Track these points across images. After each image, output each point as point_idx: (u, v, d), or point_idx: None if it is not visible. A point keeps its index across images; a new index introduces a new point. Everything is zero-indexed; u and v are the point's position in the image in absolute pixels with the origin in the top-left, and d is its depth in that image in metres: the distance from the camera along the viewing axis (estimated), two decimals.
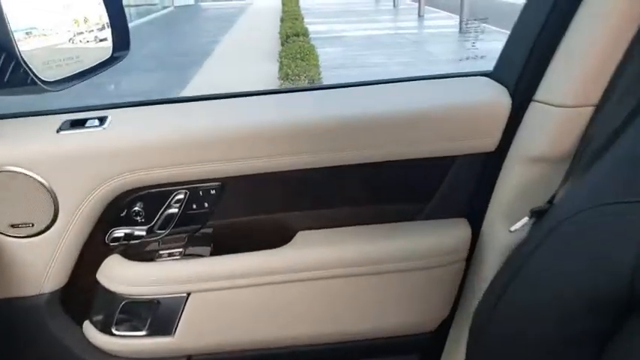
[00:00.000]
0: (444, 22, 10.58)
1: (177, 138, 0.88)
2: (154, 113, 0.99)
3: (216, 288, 0.94)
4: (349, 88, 1.05)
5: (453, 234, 0.96)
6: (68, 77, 1.08)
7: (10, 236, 0.89)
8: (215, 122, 0.92)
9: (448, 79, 1.05)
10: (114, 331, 0.97)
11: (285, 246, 0.97)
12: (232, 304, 0.96)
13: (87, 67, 1.01)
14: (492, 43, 7.00)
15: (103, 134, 0.88)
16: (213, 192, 0.94)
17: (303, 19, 9.92)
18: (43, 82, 1.00)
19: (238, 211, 0.99)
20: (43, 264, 0.92)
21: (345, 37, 9.44)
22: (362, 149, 0.91)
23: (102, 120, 0.91)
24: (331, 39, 9.01)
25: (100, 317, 0.99)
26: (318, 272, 0.94)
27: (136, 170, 0.88)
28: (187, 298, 0.94)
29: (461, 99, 0.93)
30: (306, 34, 8.07)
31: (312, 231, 0.99)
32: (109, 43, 0.89)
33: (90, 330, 0.99)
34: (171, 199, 0.94)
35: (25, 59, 0.89)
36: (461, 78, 1.01)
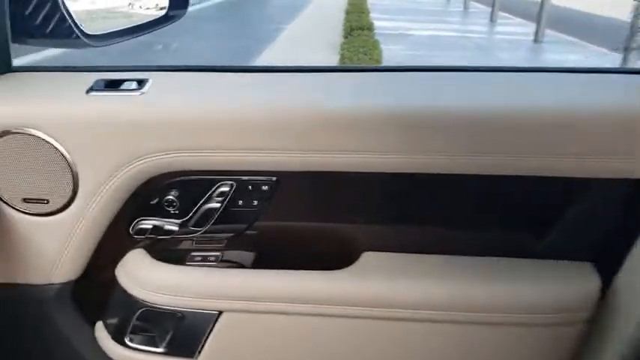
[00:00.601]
0: (518, 28, 10.05)
1: (230, 115, 0.70)
2: (203, 82, 0.80)
3: (254, 310, 0.75)
4: (472, 73, 0.83)
5: (575, 283, 0.73)
6: (114, 32, 0.93)
7: (22, 212, 0.74)
8: (279, 101, 0.72)
9: (607, 74, 0.82)
10: (127, 341, 0.80)
11: (346, 269, 0.76)
12: (272, 331, 0.77)
13: (136, 24, 0.86)
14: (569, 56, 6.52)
15: (141, 100, 0.71)
16: (265, 188, 0.75)
17: (369, 13, 9.66)
18: (86, 35, 0.85)
19: (292, 215, 0.80)
20: (56, 250, 0.76)
21: (411, 35, 9.12)
22: (478, 155, 0.68)
23: (141, 83, 0.73)
24: (396, 36, 8.71)
25: (113, 321, 0.82)
26: (386, 311, 0.74)
27: (175, 149, 0.70)
28: (218, 317, 0.76)
29: (622, 102, 0.69)
30: (371, 28, 7.82)
31: (383, 254, 0.78)
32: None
33: (102, 334, 0.83)
34: (214, 191, 0.76)
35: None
36: (624, 75, 0.78)
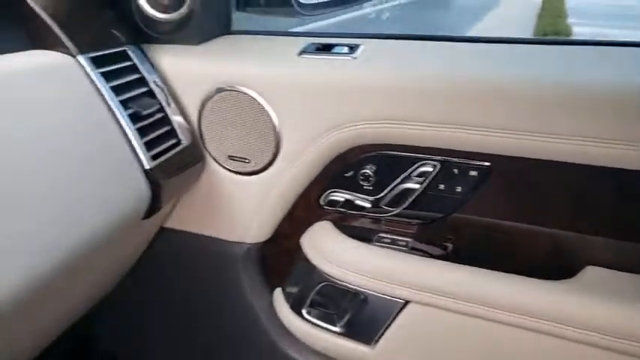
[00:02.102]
0: None
1: (442, 86, 0.62)
2: (415, 50, 0.74)
3: (445, 307, 0.67)
4: None
5: None
6: (326, 3, 0.92)
7: (225, 168, 0.77)
8: (500, 73, 0.63)
9: None
10: (304, 312, 0.78)
11: (564, 281, 0.64)
12: (460, 332, 0.68)
13: None
14: None
15: (352, 64, 0.67)
16: (473, 174, 0.66)
17: (567, 17, 8.76)
18: (300, 4, 0.85)
19: (500, 211, 0.69)
20: (250, 210, 0.78)
21: None
22: None
23: (352, 48, 0.70)
24: None
25: (292, 290, 0.81)
26: (604, 338, 0.59)
27: (382, 119, 0.65)
28: (404, 307, 0.69)
29: None
30: (568, 34, 7.07)
31: (612, 271, 0.64)
32: None
33: (279, 301, 0.83)
34: (414, 170, 0.69)
35: None
36: None
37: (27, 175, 0.50)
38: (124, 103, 0.64)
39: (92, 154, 0.58)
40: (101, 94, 0.62)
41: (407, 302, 0.69)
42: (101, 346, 1.06)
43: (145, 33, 0.76)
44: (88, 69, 0.62)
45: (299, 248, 0.80)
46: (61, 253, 0.52)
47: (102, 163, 0.59)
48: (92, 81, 0.62)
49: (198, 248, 0.84)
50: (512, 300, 0.64)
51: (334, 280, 0.74)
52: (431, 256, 0.73)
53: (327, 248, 0.75)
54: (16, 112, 0.52)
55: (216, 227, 0.81)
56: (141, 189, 0.64)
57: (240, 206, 0.78)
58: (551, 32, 6.93)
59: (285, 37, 0.80)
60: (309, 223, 0.79)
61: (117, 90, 0.64)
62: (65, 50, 0.62)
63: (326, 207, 0.76)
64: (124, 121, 0.63)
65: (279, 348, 0.83)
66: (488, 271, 0.67)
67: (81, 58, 0.62)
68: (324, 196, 0.76)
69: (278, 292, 0.84)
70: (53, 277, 0.52)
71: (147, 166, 0.64)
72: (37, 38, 0.62)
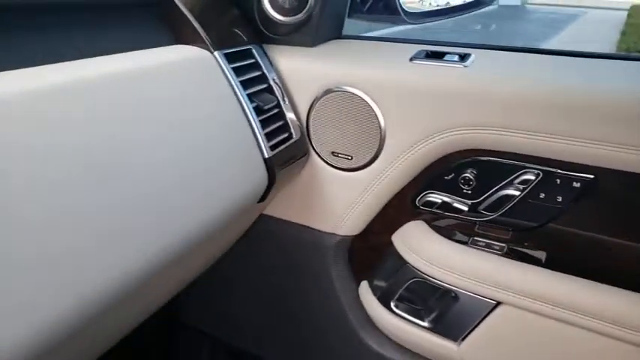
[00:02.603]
0: None
1: (549, 97, 0.64)
2: (525, 62, 0.76)
3: (537, 311, 0.68)
4: None
5: None
6: (431, 12, 0.96)
7: (327, 163, 0.82)
8: (597, 87, 0.64)
9: None
10: (392, 305, 0.82)
11: None
12: (552, 339, 0.69)
13: (452, 5, 0.88)
14: None
15: (463, 72, 0.70)
16: (576, 185, 0.68)
17: None
18: (407, 12, 0.90)
19: (600, 224, 0.70)
20: (347, 204, 0.82)
21: None
22: None
23: (463, 57, 0.73)
24: None
25: (381, 284, 0.85)
26: None
27: (487, 125, 0.68)
28: (495, 308, 0.72)
29: None
30: None
31: None
32: None
33: (366, 293, 0.87)
34: (516, 177, 0.71)
35: None
36: None
37: (167, 160, 0.56)
38: (250, 97, 0.71)
39: (223, 142, 0.65)
40: (233, 88, 0.69)
41: (498, 303, 0.71)
42: (187, 321, 1.14)
43: (264, 33, 0.83)
44: (223, 64, 0.69)
45: (388, 245, 0.84)
46: (185, 239, 0.56)
47: (231, 149, 0.66)
48: (226, 75, 0.68)
49: (293, 235, 0.89)
50: (606, 310, 0.65)
51: (426, 276, 0.77)
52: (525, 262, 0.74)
53: (420, 246, 0.78)
54: (162, 100, 0.58)
55: (312, 217, 0.86)
56: (260, 176, 0.70)
57: (337, 200, 0.83)
58: (634, 49, 6.59)
59: (394, 44, 0.84)
60: (401, 222, 0.83)
61: (244, 84, 0.71)
62: (204, 46, 0.69)
63: (422, 207, 0.79)
64: (250, 113, 0.69)
65: (361, 338, 0.87)
66: (585, 280, 0.68)
67: (217, 54, 0.69)
68: (420, 196, 0.79)
69: (364, 285, 0.88)
70: (172, 260, 0.55)
71: (266, 155, 0.70)
72: (179, 34, 0.70)
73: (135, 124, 0.53)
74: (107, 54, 0.59)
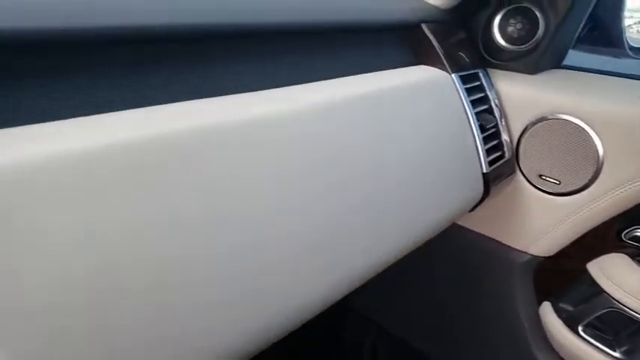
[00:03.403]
0: None
1: None
2: None
3: None
4: None
5: None
6: None
7: (533, 185, 0.86)
8: None
9: None
10: (579, 330, 0.84)
11: None
12: None
13: None
14: None
15: None
16: None
17: None
18: (631, 47, 0.90)
19: None
20: (545, 226, 0.86)
21: None
22: None
23: None
24: None
25: (567, 307, 0.87)
26: None
27: None
28: None
29: None
30: None
31: None
32: None
33: (547, 313, 0.90)
34: None
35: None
36: None
37: (406, 172, 0.62)
38: (476, 116, 0.78)
39: (451, 156, 0.73)
40: (464, 107, 0.77)
41: None
42: (355, 306, 1.25)
43: (485, 58, 0.90)
44: (458, 85, 0.77)
45: (580, 271, 0.86)
46: (400, 244, 0.62)
47: (456, 163, 0.74)
48: (460, 95, 0.77)
49: (481, 247, 0.95)
50: None
51: (624, 308, 0.78)
52: None
53: (621, 278, 0.79)
54: (406, 116, 0.66)
55: (505, 233, 0.91)
56: (478, 189, 0.77)
57: (536, 220, 0.87)
58: None
59: (620, 79, 0.86)
60: (601, 251, 0.84)
61: (472, 104, 0.78)
62: (443, 67, 0.78)
63: (628, 241, 0.80)
64: (476, 131, 0.77)
65: (534, 356, 0.90)
66: None
67: (454, 76, 0.78)
68: (627, 231, 0.80)
69: (547, 305, 0.91)
70: (383, 264, 0.60)
71: (484, 170, 0.78)
72: (420, 56, 0.80)
73: (383, 139, 0.60)
74: (352, 74, 0.65)
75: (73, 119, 0.38)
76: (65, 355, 0.32)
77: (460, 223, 0.96)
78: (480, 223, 0.95)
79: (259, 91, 0.52)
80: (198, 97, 0.47)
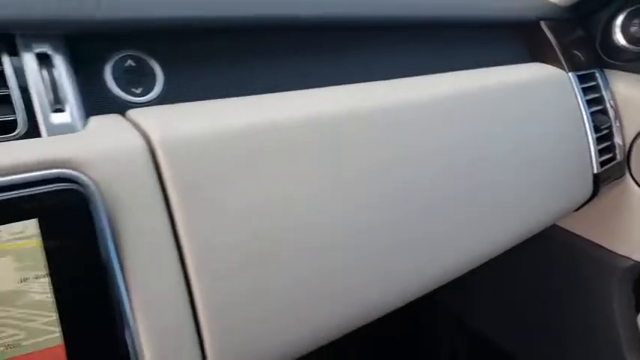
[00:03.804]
0: None
1: None
2: None
3: None
4: None
5: None
6: None
7: None
8: None
9: None
10: None
11: None
12: None
13: None
14: None
15: None
16: None
17: None
18: None
19: None
20: None
21: None
22: None
23: None
24: None
25: None
26: None
27: None
28: None
29: None
30: None
31: None
32: None
33: None
34: None
35: None
36: None
37: (512, 165, 0.64)
38: (590, 116, 0.78)
39: (562, 155, 0.73)
40: (579, 107, 0.76)
41: None
42: (436, 295, 1.26)
43: (601, 58, 0.88)
44: (575, 84, 0.77)
45: None
46: (503, 240, 0.64)
47: (567, 162, 0.74)
48: (575, 95, 0.77)
49: (581, 249, 0.94)
50: None
51: None
52: None
53: None
54: (521, 112, 0.67)
55: (608, 237, 0.90)
56: (586, 189, 0.77)
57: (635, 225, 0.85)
58: None
59: None
60: None
61: (588, 104, 0.78)
62: (560, 66, 0.78)
63: None
64: (590, 131, 0.77)
65: None
66: None
67: (571, 75, 0.77)
68: None
69: None
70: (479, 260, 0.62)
71: (595, 170, 0.77)
72: (537, 53, 0.80)
73: (496, 132, 0.62)
74: (469, 69, 0.68)
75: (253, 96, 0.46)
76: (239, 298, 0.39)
77: (559, 223, 0.96)
78: (580, 224, 0.93)
79: (402, 79, 0.58)
80: (351, 82, 0.54)
